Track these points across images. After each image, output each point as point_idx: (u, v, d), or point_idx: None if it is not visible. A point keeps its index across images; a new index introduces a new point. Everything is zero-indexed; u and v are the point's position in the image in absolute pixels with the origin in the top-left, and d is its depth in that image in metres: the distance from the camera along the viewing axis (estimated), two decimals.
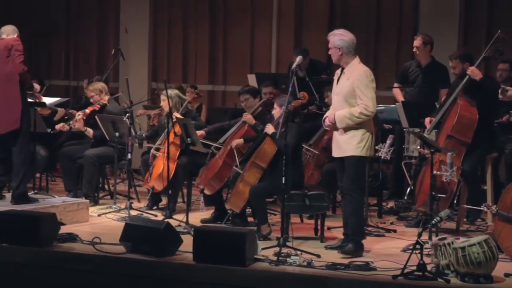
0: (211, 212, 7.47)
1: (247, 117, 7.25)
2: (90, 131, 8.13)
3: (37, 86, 7.58)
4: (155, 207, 7.94)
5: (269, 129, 6.65)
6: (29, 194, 7.18)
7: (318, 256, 5.79)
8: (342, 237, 6.15)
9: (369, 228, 6.88)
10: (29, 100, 7.26)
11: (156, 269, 5.64)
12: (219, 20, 11.17)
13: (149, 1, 11.39)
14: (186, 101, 7.91)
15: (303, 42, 10.51)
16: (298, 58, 6.32)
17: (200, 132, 7.43)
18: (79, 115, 8.13)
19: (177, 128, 7.33)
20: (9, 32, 7.04)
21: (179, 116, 7.49)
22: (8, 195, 7.18)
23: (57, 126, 8.39)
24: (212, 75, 11.30)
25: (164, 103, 7.66)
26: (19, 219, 6.04)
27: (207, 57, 11.27)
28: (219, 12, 11.16)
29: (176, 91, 7.99)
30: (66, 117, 8.60)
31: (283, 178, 6.00)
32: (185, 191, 7.94)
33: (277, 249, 5.79)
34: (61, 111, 8.68)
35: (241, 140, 7.16)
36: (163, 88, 7.43)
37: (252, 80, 9.19)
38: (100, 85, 8.37)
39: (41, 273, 5.84)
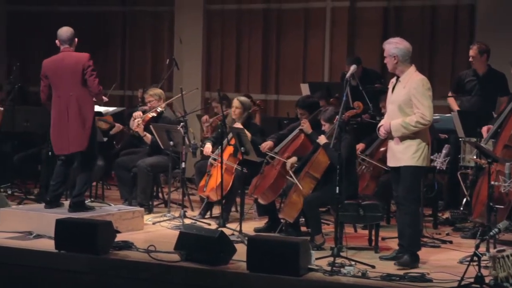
0: (264, 221, 7.47)
1: (305, 125, 7.18)
2: (148, 137, 8.21)
3: (105, 98, 7.70)
4: (208, 216, 7.98)
5: (321, 139, 6.63)
6: (85, 202, 7.28)
7: (373, 266, 5.73)
8: (397, 247, 6.08)
9: (425, 239, 6.78)
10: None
11: (210, 277, 5.66)
12: (272, 30, 11.21)
13: (203, 11, 11.49)
14: (246, 113, 7.93)
15: (356, 51, 10.47)
16: (353, 67, 6.28)
17: (268, 143, 7.40)
18: (138, 121, 8.22)
19: (232, 139, 7.37)
20: (71, 40, 7.02)
21: (240, 126, 7.52)
22: (66, 203, 7.30)
23: (113, 130, 8.49)
24: (265, 84, 11.34)
25: (237, 111, 7.72)
26: (76, 227, 6.12)
27: (260, 66, 11.32)
28: (272, 21, 11.20)
29: (247, 99, 8.01)
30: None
31: (337, 188, 5.97)
32: (238, 200, 7.96)
33: (331, 259, 5.74)
34: (118, 126, 8.81)
35: (294, 159, 7.10)
36: (220, 97, 7.49)
37: (305, 89, 9.17)
38: (159, 91, 8.47)
39: (98, 281, 5.91)
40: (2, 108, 8.77)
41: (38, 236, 6.62)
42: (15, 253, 6.21)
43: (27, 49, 12.44)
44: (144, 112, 8.36)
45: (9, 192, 8.68)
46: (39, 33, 12.34)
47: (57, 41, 7.07)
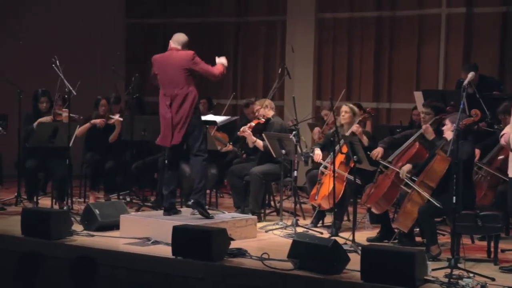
0: (377, 231, 7.38)
1: (429, 130, 6.93)
2: (259, 143, 8.26)
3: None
4: (320, 225, 7.97)
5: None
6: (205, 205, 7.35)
7: (493, 279, 5.56)
8: None
9: None
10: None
11: (324, 286, 5.64)
12: (385, 37, 11.10)
13: (314, 20, 11.52)
14: (357, 121, 7.88)
15: (473, 57, 10.20)
16: (471, 74, 6.15)
17: (379, 150, 7.31)
18: (244, 128, 8.31)
19: (344, 148, 7.33)
20: (184, 44, 7.19)
21: (357, 128, 7.51)
22: (183, 210, 7.47)
23: (224, 149, 8.62)
24: (377, 92, 11.23)
25: (346, 115, 7.72)
26: (192, 234, 6.24)
27: (372, 75, 11.23)
28: (385, 29, 11.10)
29: (355, 107, 7.99)
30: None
31: (454, 197, 5.82)
32: (350, 209, 7.90)
33: (448, 270, 5.61)
34: (228, 147, 8.97)
35: (409, 166, 6.98)
36: (332, 105, 7.49)
37: (418, 97, 9.00)
38: (267, 101, 8.53)
39: (213, 287, 5.99)
40: (121, 118, 9.08)
41: (156, 242, 6.79)
42: (134, 259, 6.40)
43: (145, 61, 12.83)
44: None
45: (128, 199, 8.95)
46: (156, 45, 12.72)
47: (170, 42, 7.23)
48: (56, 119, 8.53)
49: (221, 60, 7.33)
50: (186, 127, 7.03)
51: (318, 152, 7.97)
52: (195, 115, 7.11)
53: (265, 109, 8.39)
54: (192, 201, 7.11)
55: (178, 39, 7.22)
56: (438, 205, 6.36)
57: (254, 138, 8.26)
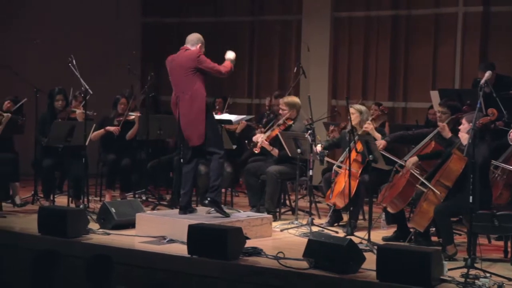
0: (393, 230, 7.36)
1: (446, 128, 6.87)
2: (276, 151, 8.28)
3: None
4: (336, 224, 7.95)
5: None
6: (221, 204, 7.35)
7: (510, 279, 5.53)
8: None
9: None
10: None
11: (339, 286, 5.64)
12: (401, 36, 11.06)
13: (330, 19, 11.50)
14: (370, 118, 7.87)
15: (489, 56, 10.14)
16: (488, 74, 6.12)
17: (382, 142, 7.31)
18: (263, 137, 8.31)
19: (359, 146, 7.32)
20: (193, 42, 7.19)
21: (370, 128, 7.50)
22: (199, 209, 7.49)
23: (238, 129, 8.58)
24: (392, 91, 11.19)
25: (353, 116, 7.71)
26: (207, 232, 6.25)
27: (388, 74, 11.18)
28: (401, 28, 11.06)
29: (365, 108, 7.99)
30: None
31: (470, 197, 5.79)
32: (366, 208, 7.89)
33: (464, 270, 5.59)
34: (242, 123, 8.96)
35: (415, 159, 6.97)
36: (345, 104, 7.48)
37: (435, 96, 8.98)
38: (294, 101, 8.46)
39: (229, 286, 6.00)
40: (139, 114, 9.10)
41: (171, 241, 6.80)
42: (149, 257, 6.42)
43: (160, 60, 12.87)
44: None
45: (144, 198, 8.97)
46: (172, 44, 12.74)
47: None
48: (70, 116, 8.57)
49: (229, 56, 7.30)
50: (202, 127, 7.02)
51: (318, 147, 8.01)
52: (209, 114, 7.12)
53: (290, 110, 8.34)
54: (208, 199, 7.12)
55: (187, 39, 7.25)
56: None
57: (271, 147, 8.30)
